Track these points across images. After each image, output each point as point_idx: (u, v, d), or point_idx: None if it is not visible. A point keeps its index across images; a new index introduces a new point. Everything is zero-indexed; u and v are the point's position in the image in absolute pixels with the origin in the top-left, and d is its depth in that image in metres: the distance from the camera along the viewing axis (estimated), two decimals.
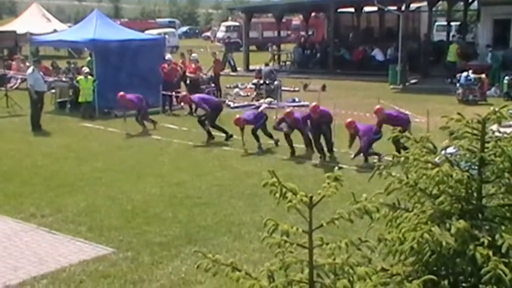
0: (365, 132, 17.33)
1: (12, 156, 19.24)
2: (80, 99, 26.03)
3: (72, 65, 33.58)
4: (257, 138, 19.46)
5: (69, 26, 45.63)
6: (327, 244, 5.08)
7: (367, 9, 51.02)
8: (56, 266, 10.88)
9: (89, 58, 31.47)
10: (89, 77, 26.23)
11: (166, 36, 47.75)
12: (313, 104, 18.65)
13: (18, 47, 42.75)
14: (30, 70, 24.68)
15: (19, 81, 30.75)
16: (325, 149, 18.00)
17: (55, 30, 43.52)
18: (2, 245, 11.93)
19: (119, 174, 16.80)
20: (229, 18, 75.59)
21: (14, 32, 43.77)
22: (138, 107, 22.49)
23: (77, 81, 26.63)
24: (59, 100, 27.36)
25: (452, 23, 53.68)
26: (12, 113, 25.88)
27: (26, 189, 15.49)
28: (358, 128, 17.48)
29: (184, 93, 24.57)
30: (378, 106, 18.28)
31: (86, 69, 28.12)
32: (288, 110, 19.93)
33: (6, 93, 27.15)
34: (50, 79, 29.14)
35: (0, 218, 13.48)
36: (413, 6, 44.62)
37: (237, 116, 19.55)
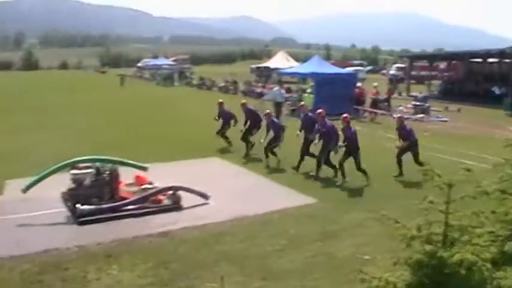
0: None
1: None
2: None
3: (300, 87, 34.92)
4: None
5: (300, 64, 48.66)
6: (457, 212, 5.15)
7: (490, 60, 49.66)
8: (280, 207, 11.32)
9: (311, 84, 32.75)
10: (311, 95, 28.61)
11: (358, 72, 48.94)
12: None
13: (270, 76, 46.57)
14: (275, 88, 27.66)
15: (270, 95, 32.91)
16: None
17: (291, 67, 46.38)
18: (249, 193, 12.46)
19: None
20: (399, 61, 75.77)
21: (268, 67, 48.12)
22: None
23: (303, 97, 28.74)
24: (291, 108, 28.36)
25: None
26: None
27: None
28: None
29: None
30: (399, 115, 16.05)
31: (308, 90, 30.90)
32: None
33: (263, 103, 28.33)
34: (287, 95, 30.53)
35: (250, 173, 14.33)
36: None
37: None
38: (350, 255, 8.69)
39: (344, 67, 48.54)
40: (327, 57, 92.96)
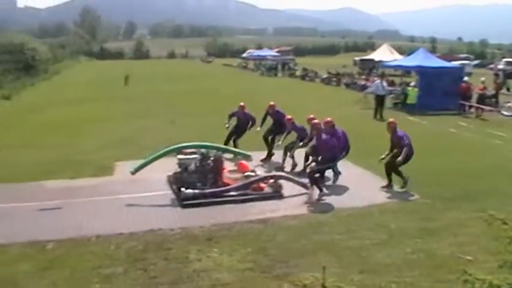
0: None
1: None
2: (407, 101, 26.89)
3: (404, 80, 33.34)
4: None
5: (403, 57, 47.39)
6: None
7: None
8: (381, 201, 11.13)
9: (415, 77, 31.75)
10: (415, 88, 27.25)
11: (464, 66, 46.99)
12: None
13: (374, 68, 45.75)
14: (377, 81, 26.91)
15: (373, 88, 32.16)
16: None
17: (395, 60, 45.12)
18: (349, 185, 12.24)
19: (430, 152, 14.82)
20: (507, 55, 71.89)
21: (373, 59, 47.29)
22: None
23: (407, 90, 27.67)
24: (394, 101, 27.67)
25: None
26: (364, 106, 26.65)
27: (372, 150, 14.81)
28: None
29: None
30: (391, 119, 12.99)
31: (412, 83, 29.85)
32: None
33: (366, 96, 28.33)
34: (390, 88, 29.23)
35: (352, 166, 13.90)
36: None
37: None
38: (450, 254, 8.39)
39: (450, 61, 46.62)
40: (432, 51, 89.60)
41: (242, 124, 15.45)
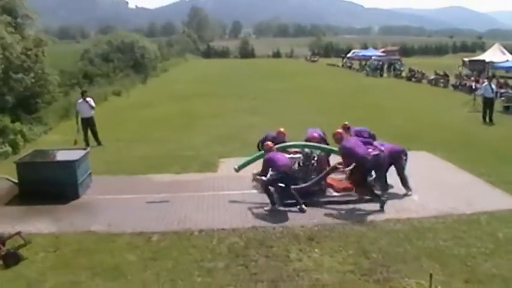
0: None
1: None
2: None
3: None
4: None
5: None
6: None
7: None
8: (490, 208, 10.35)
9: None
10: None
11: None
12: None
13: (484, 70, 43.70)
14: (486, 83, 23.92)
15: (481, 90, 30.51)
16: None
17: (507, 60, 43.42)
18: (456, 190, 11.55)
19: None
20: None
21: (483, 60, 45.15)
22: None
23: None
24: (505, 104, 26.12)
25: None
26: (473, 109, 24.96)
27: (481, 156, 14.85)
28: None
29: None
30: (340, 130, 11.22)
31: None
32: None
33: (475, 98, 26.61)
34: (502, 90, 28.38)
35: (460, 171, 13.40)
36: None
37: None
38: None
39: None
40: None
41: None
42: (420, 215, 10.09)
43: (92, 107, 17.37)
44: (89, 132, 17.27)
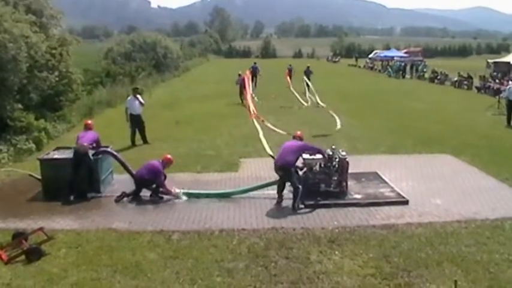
0: None
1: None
2: None
3: None
4: None
5: None
6: None
7: None
8: (507, 214, 10.20)
9: None
10: None
11: None
12: None
13: (509, 72, 43.06)
14: (510, 85, 23.45)
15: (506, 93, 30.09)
16: None
17: None
18: (480, 195, 11.46)
19: None
20: None
21: (508, 62, 44.56)
22: None
23: None
24: None
25: None
26: (497, 112, 24.88)
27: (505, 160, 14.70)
28: None
29: None
30: (299, 132, 11.86)
31: None
32: None
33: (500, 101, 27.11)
34: None
35: (484, 175, 13.20)
36: None
37: None
38: None
39: None
40: None
41: None
42: (443, 220, 9.95)
43: (142, 104, 17.68)
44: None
